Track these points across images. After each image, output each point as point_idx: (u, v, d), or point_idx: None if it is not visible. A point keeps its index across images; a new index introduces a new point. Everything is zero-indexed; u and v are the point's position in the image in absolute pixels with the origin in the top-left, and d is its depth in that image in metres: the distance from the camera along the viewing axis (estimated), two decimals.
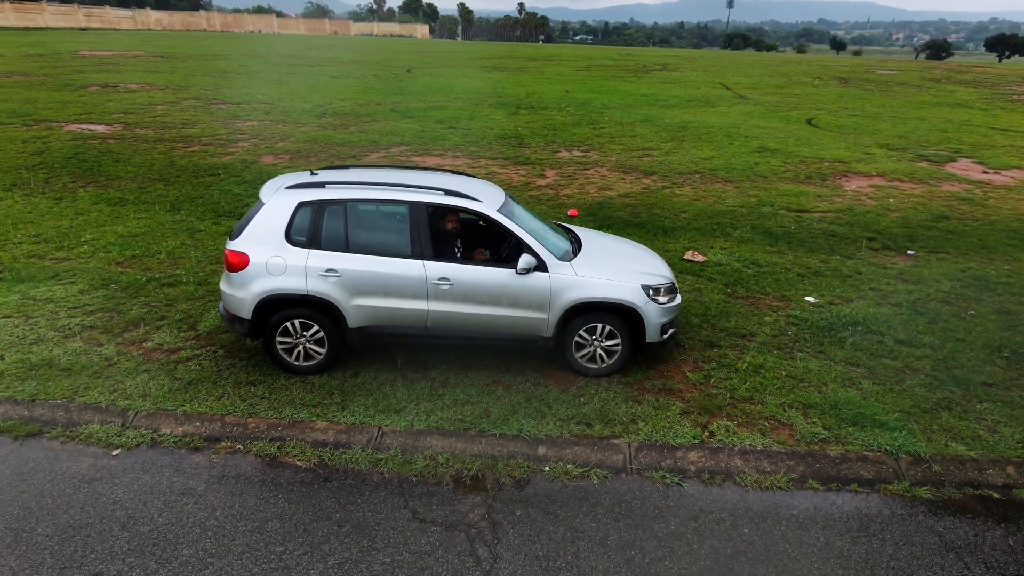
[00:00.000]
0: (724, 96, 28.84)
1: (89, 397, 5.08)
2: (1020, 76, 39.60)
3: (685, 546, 3.87)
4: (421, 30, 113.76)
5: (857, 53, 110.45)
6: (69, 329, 6.19)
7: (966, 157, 16.27)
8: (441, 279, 5.24)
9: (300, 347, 5.41)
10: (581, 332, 5.48)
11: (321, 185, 5.36)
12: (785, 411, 5.20)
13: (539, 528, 3.96)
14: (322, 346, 5.43)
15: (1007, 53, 59.31)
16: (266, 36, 73.57)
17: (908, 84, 35.05)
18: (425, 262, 5.24)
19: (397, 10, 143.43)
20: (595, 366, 5.61)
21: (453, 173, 6.12)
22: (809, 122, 21.71)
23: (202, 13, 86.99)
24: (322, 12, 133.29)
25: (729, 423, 5.01)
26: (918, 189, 13.23)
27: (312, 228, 5.20)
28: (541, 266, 5.30)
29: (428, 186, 5.46)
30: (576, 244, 5.93)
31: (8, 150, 14.21)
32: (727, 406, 5.25)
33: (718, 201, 12.09)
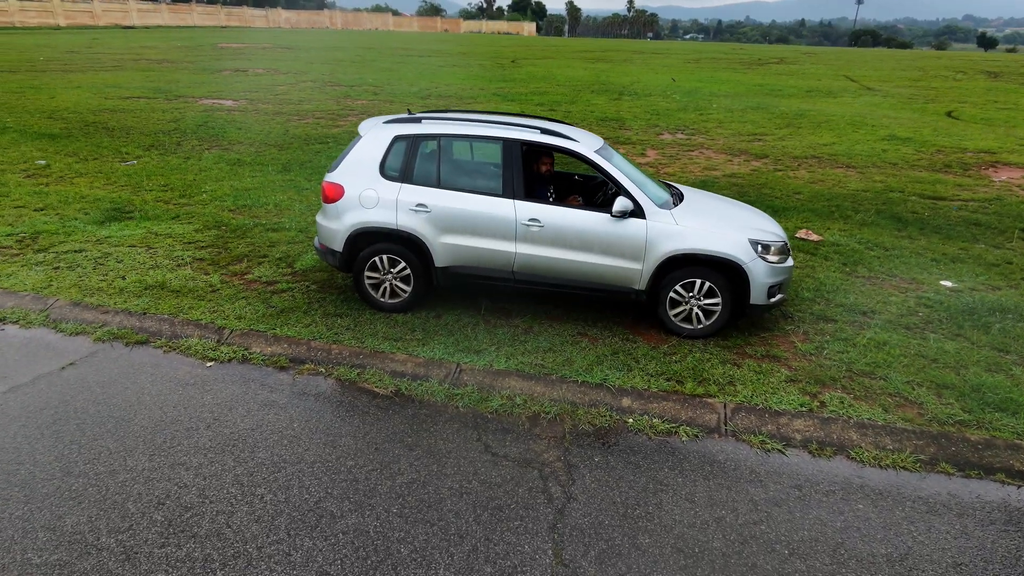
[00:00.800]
0: (848, 87, 26.63)
1: (192, 315, 5.34)
2: None
3: (786, 513, 3.41)
4: (528, 28, 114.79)
5: (1011, 51, 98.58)
6: (182, 259, 6.59)
7: None
8: (531, 220, 5.02)
9: (387, 284, 5.40)
10: (677, 288, 5.07)
11: (417, 120, 5.32)
12: (913, 389, 4.52)
13: (619, 475, 3.65)
14: (408, 284, 5.39)
15: None
16: (381, 33, 77.33)
17: None
18: (516, 202, 5.05)
19: (506, 8, 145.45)
20: (690, 326, 5.18)
21: (553, 120, 5.89)
22: (949, 114, 19.55)
23: (325, 12, 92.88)
24: (435, 11, 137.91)
25: (844, 395, 4.42)
26: None
27: (406, 162, 5.17)
28: (638, 212, 4.95)
29: (523, 123, 5.26)
30: (678, 197, 5.51)
31: (151, 118, 15.65)
32: (842, 378, 4.65)
33: (838, 185, 11.05)
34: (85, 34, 45.59)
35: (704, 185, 10.81)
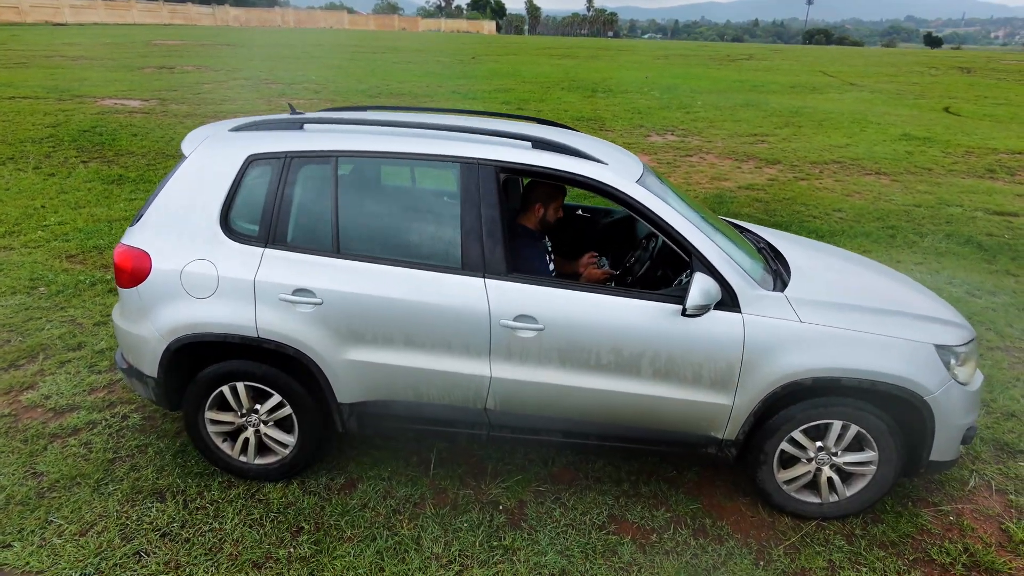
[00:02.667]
0: (830, 83, 25.07)
1: None
2: None
3: None
4: (488, 26, 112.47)
5: (956, 49, 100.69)
6: None
7: None
8: (520, 317, 2.57)
9: (249, 433, 2.87)
10: (796, 434, 2.70)
11: (297, 126, 2.80)
12: None
13: None
14: (290, 432, 2.88)
15: None
16: (335, 31, 73.83)
17: None
18: (490, 281, 2.59)
19: (465, 7, 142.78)
20: (817, 500, 2.81)
21: (540, 122, 3.44)
22: (946, 110, 17.95)
23: (277, 10, 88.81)
24: (391, 9, 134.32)
25: None
26: None
27: (273, 208, 2.65)
28: (728, 299, 2.56)
29: (500, 131, 2.82)
30: (774, 259, 3.13)
31: (24, 122, 12.58)
32: None
33: (881, 198, 8.97)
34: (3, 31, 41.04)
35: (720, 202, 8.55)
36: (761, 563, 2.59)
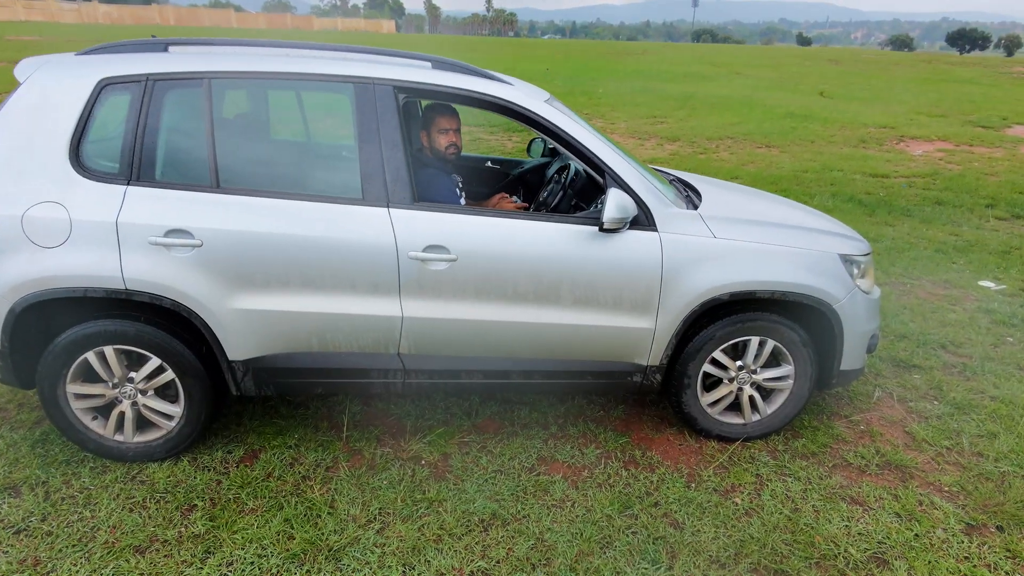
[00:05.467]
0: (718, 73, 26.61)
1: None
2: (1003, 61, 38.45)
3: None
4: (387, 25, 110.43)
5: (825, 47, 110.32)
6: None
7: (1020, 124, 14.15)
8: (430, 248, 2.38)
9: (125, 406, 2.49)
10: (717, 354, 2.68)
11: (161, 47, 2.45)
12: None
13: None
14: (174, 400, 2.52)
15: (967, 47, 58.71)
16: (221, 29, 69.51)
17: (902, 64, 33.51)
18: (394, 210, 2.38)
19: (362, 6, 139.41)
20: (741, 420, 2.82)
21: (437, 61, 3.22)
22: (821, 94, 19.51)
23: (154, 6, 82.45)
24: (283, 7, 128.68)
25: None
26: (997, 153, 10.95)
27: (135, 139, 2.29)
28: (644, 217, 2.49)
29: (397, 53, 2.60)
30: (686, 188, 3.12)
31: None
32: None
33: (772, 166, 9.53)
34: None
35: None
36: (692, 485, 2.55)
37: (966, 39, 60.25)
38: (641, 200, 2.48)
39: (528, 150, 4.09)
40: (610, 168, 2.47)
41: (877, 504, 2.46)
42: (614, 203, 2.32)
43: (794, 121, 13.60)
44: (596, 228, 2.44)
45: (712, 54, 40.55)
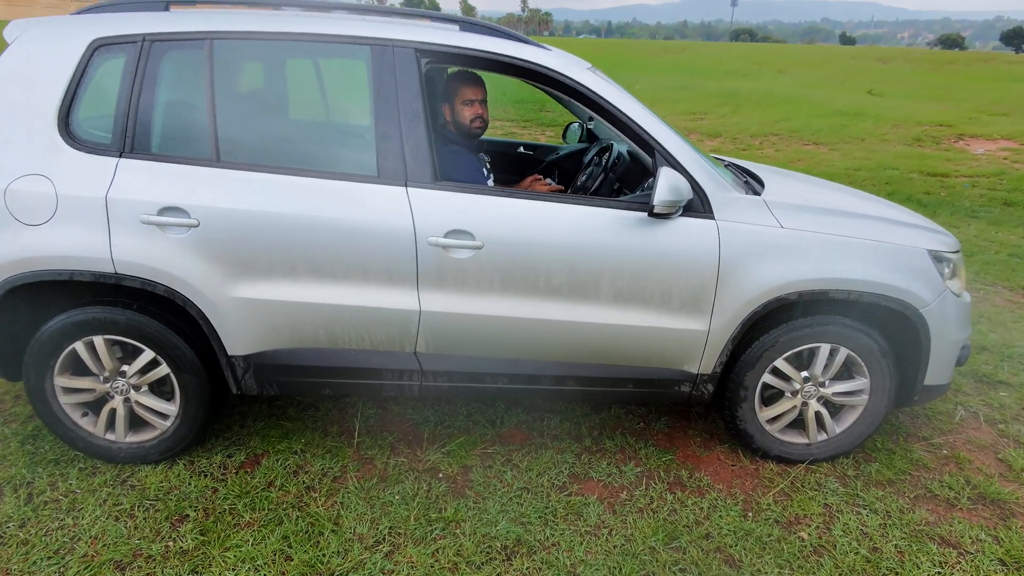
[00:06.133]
0: (760, 70, 25.80)
1: None
2: None
3: None
4: None
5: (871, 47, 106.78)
6: None
7: None
8: (452, 233, 2.09)
9: (117, 402, 2.26)
10: (779, 363, 2.32)
11: (162, 6, 2.21)
12: None
13: None
14: (169, 398, 2.29)
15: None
16: None
17: (956, 63, 31.98)
18: (412, 190, 2.10)
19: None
20: (803, 441, 2.46)
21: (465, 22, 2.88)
22: (870, 92, 18.66)
23: None
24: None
25: None
26: None
27: (129, 106, 2.06)
28: (699, 202, 2.15)
29: (420, 13, 2.32)
30: (745, 174, 2.77)
31: None
32: None
33: (822, 164, 9.00)
34: None
35: None
36: (749, 514, 2.20)
37: (1023, 38, 57.55)
38: (696, 182, 2.14)
39: (563, 136, 3.78)
40: (661, 145, 2.14)
41: (975, 547, 2.07)
42: (666, 183, 1.99)
43: (843, 119, 12.95)
44: (644, 213, 2.11)
45: (754, 52, 39.45)
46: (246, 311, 2.14)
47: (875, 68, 28.18)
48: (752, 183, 2.54)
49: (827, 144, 10.50)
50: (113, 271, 2.05)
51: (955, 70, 27.79)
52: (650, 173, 2.21)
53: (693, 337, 2.24)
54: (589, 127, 3.36)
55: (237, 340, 2.18)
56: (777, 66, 27.77)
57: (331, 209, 2.08)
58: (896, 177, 8.21)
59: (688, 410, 2.80)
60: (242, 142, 2.12)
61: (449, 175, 2.21)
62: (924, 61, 32.80)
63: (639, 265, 2.14)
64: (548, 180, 2.70)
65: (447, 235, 2.09)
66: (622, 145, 2.77)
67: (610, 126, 2.20)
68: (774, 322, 2.28)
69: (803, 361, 2.37)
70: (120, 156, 2.06)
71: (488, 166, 2.57)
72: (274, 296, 2.13)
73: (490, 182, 2.51)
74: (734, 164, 2.90)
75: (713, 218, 2.16)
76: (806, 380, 2.37)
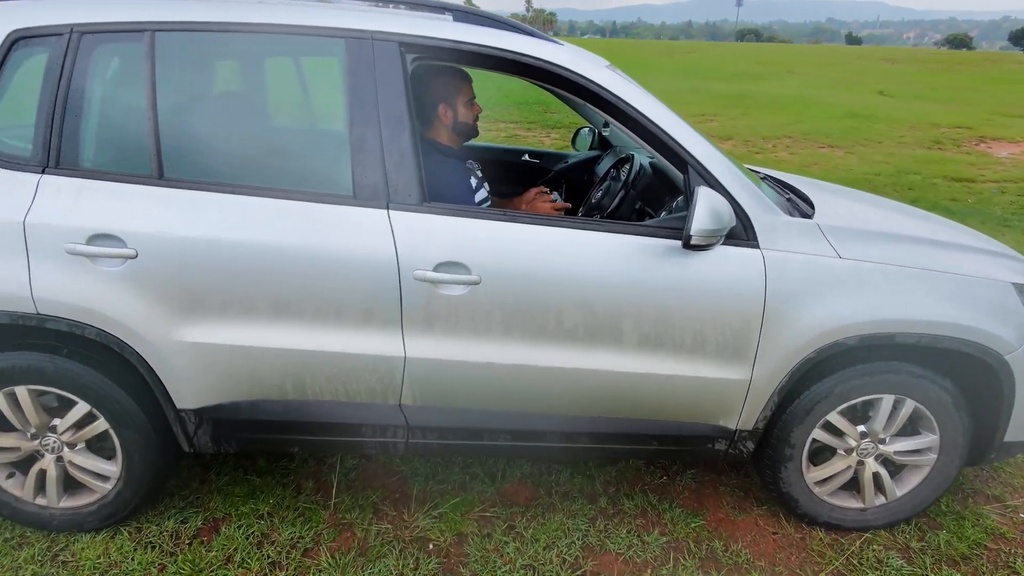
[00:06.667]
0: (769, 71, 25.39)
1: None
2: None
3: None
4: None
5: (877, 47, 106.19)
6: None
7: None
8: (444, 266, 1.73)
9: (47, 461, 1.91)
10: (832, 416, 1.95)
11: None
12: None
13: None
14: (110, 456, 1.93)
15: None
16: None
17: (965, 63, 31.51)
18: (395, 213, 1.73)
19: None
20: (858, 505, 2.08)
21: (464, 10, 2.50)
22: (881, 93, 18.26)
23: None
24: None
25: None
26: None
27: (53, 111, 1.70)
28: (741, 227, 1.79)
29: (407, 1, 1.96)
30: (785, 188, 2.40)
31: None
32: None
33: (839, 168, 8.62)
34: None
35: None
36: None
37: None
38: (739, 204, 1.78)
39: (573, 142, 3.42)
40: (697, 160, 1.78)
41: None
42: (706, 208, 1.63)
43: (856, 120, 12.57)
44: (675, 241, 1.75)
45: (761, 53, 39.03)
46: (196, 357, 1.79)
47: (884, 68, 27.75)
48: (797, 202, 2.18)
49: (842, 147, 10.11)
50: (34, 311, 1.70)
51: (965, 71, 27.37)
52: (676, 188, 1.85)
53: (732, 388, 1.88)
54: (604, 134, 2.99)
55: (187, 391, 1.83)
56: (785, 67, 27.36)
57: (297, 236, 1.72)
58: (919, 183, 7.82)
59: (719, 475, 2.44)
60: (190, 156, 1.76)
61: (437, 192, 1.85)
62: (933, 61, 32.36)
63: (669, 303, 1.78)
64: (554, 195, 2.33)
65: (437, 268, 1.73)
66: (643, 155, 2.41)
67: (634, 136, 1.83)
68: (827, 369, 1.91)
69: (858, 413, 2.00)
70: (42, 172, 1.71)
71: (479, 174, 2.21)
72: (230, 340, 1.78)
73: (482, 192, 2.14)
74: (771, 177, 2.53)
75: (758, 247, 1.80)
76: (863, 436, 2.00)
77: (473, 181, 2.12)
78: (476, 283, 1.74)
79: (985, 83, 21.51)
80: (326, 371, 1.83)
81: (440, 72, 2.09)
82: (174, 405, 1.84)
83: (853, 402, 1.94)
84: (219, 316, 1.76)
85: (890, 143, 10.45)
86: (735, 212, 1.74)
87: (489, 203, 2.16)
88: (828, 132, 11.19)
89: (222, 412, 1.87)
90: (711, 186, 1.75)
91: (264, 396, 1.86)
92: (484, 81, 2.38)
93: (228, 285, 1.73)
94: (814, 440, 1.99)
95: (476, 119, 2.18)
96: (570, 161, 3.22)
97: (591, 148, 3.22)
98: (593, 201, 2.44)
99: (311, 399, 1.87)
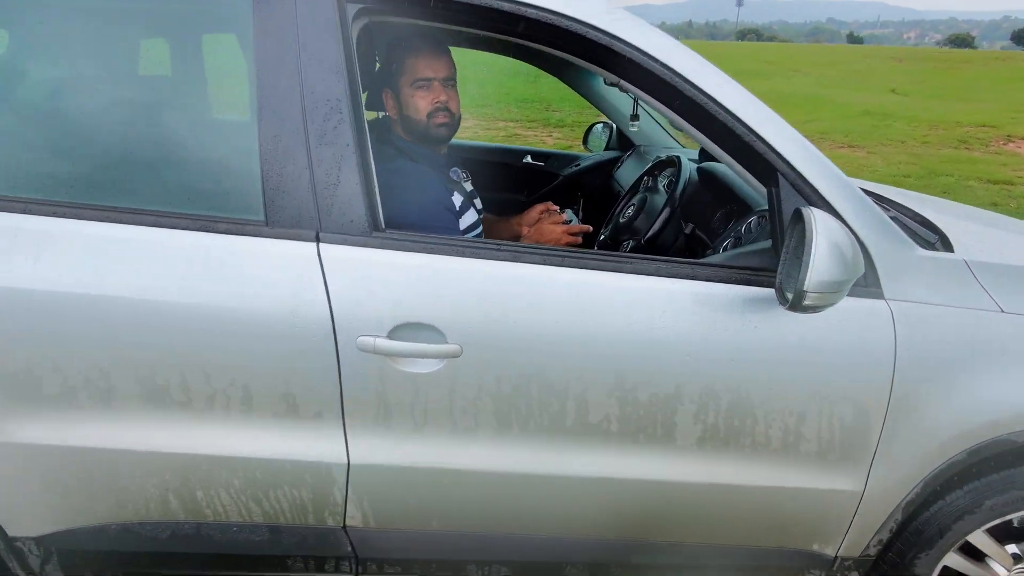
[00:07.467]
0: (774, 70, 24.81)
1: None
2: None
3: None
4: None
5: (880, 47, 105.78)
6: None
7: None
8: (403, 328, 1.11)
9: None
10: (975, 537, 1.34)
11: None
12: None
13: None
14: None
15: None
16: None
17: (971, 62, 30.99)
18: (328, 249, 1.12)
19: None
20: None
21: None
22: (893, 91, 17.75)
23: None
24: None
25: None
26: None
27: None
28: (872, 275, 1.17)
29: None
30: (891, 206, 1.77)
31: None
32: None
33: (864, 169, 8.05)
34: None
35: None
36: None
37: None
38: (856, 234, 1.16)
39: (585, 141, 2.82)
40: (793, 166, 1.17)
41: None
42: (828, 247, 1.00)
43: (873, 119, 12.01)
44: (759, 290, 1.14)
45: (764, 52, 38.47)
46: (32, 465, 1.18)
47: (890, 67, 27.19)
48: (914, 226, 1.55)
49: (863, 147, 9.54)
50: None
51: (972, 69, 26.87)
52: (726, 201, 1.25)
53: (836, 502, 1.27)
54: (632, 130, 2.36)
55: (22, 513, 1.22)
56: (790, 65, 26.82)
57: (178, 284, 1.11)
58: (953, 185, 7.23)
59: None
60: (14, 164, 1.15)
61: (400, 216, 1.24)
62: (938, 60, 31.83)
63: (748, 384, 1.17)
64: (567, 213, 1.70)
65: (394, 332, 1.12)
66: (687, 158, 1.79)
67: (696, 131, 1.22)
68: (976, 474, 1.30)
69: (1009, 531, 1.39)
70: None
71: (468, 188, 1.59)
72: (81, 440, 1.17)
73: (470, 215, 1.52)
74: (876, 195, 1.92)
75: (882, 296, 1.19)
76: (1016, 560, 1.39)
77: (457, 199, 1.49)
78: (455, 355, 1.13)
79: (996, 82, 20.99)
80: (231, 483, 1.21)
81: (384, 38, 1.47)
82: (4, 532, 1.23)
83: (1008, 517, 1.33)
84: (64, 405, 1.15)
85: (913, 143, 9.87)
86: (860, 248, 1.13)
87: (480, 230, 1.54)
88: (846, 131, 10.61)
89: (77, 540, 1.25)
90: (816, 207, 1.14)
91: (139, 517, 1.25)
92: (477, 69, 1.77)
93: (75, 360, 1.12)
94: (945, 569, 1.38)
95: (434, 113, 1.43)
96: (582, 164, 2.61)
97: (607, 148, 2.61)
98: (623, 221, 1.80)
99: (211, 521, 1.26)
